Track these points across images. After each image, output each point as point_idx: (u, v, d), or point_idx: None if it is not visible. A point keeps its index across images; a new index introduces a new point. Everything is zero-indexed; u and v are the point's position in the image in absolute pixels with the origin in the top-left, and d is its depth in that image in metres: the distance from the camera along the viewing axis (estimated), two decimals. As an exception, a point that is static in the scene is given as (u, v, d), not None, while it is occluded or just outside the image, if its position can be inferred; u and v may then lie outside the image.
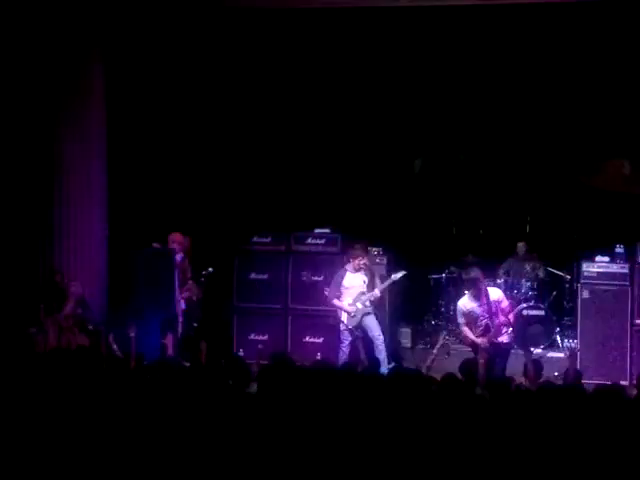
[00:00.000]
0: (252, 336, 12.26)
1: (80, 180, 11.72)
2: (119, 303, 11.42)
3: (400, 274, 11.43)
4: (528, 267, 12.95)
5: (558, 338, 12.60)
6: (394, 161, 14.13)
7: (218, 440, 5.84)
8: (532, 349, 11.33)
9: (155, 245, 11.84)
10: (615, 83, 12.77)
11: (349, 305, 11.31)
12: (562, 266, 12.97)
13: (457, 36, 12.56)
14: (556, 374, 10.12)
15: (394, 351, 12.07)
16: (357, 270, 11.37)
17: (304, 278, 12.19)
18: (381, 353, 11.05)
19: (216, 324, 12.80)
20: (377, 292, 11.35)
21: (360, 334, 10.97)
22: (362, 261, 11.34)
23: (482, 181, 14.33)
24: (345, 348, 11.28)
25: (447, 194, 14.28)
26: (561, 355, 12.08)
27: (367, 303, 11.31)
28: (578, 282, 11.70)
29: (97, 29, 11.75)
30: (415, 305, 13.48)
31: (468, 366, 7.67)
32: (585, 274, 11.53)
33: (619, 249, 11.52)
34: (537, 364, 8.89)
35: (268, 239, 12.47)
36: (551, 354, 12.10)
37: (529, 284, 12.75)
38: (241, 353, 11.92)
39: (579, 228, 12.87)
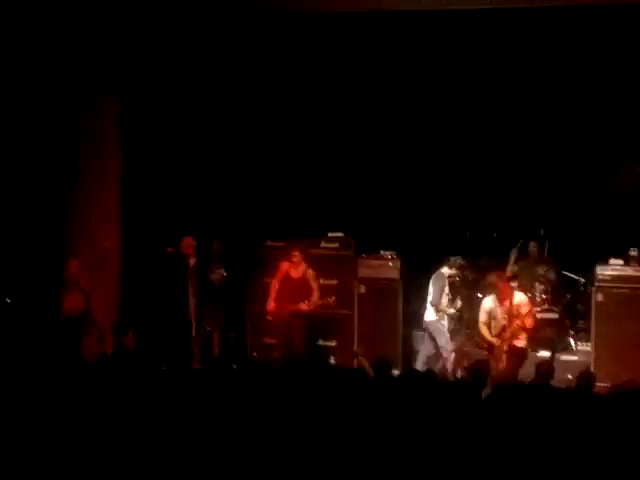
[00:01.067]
0: (266, 340, 12.26)
1: (95, 183, 11.78)
2: (133, 307, 11.46)
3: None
4: (541, 270, 12.91)
5: (572, 341, 12.55)
6: (407, 164, 14.12)
7: (233, 441, 5.86)
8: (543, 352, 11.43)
9: (169, 250, 11.89)
10: (631, 85, 12.74)
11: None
12: (576, 269, 12.91)
13: (466, 38, 12.56)
14: (569, 377, 10.09)
15: (407, 355, 12.06)
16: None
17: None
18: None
19: (230, 328, 12.85)
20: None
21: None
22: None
23: (496, 184, 14.30)
24: (447, 354, 11.29)
25: (461, 197, 14.25)
26: (575, 358, 12.06)
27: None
28: (592, 285, 11.66)
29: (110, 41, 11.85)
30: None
31: (476, 368, 7.67)
32: (599, 277, 11.50)
33: (633, 252, 11.50)
34: (549, 367, 8.89)
35: (281, 243, 12.48)
36: (565, 357, 12.05)
37: (542, 287, 12.71)
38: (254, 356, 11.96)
39: (593, 231, 12.81)
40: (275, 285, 11.75)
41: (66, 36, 11.61)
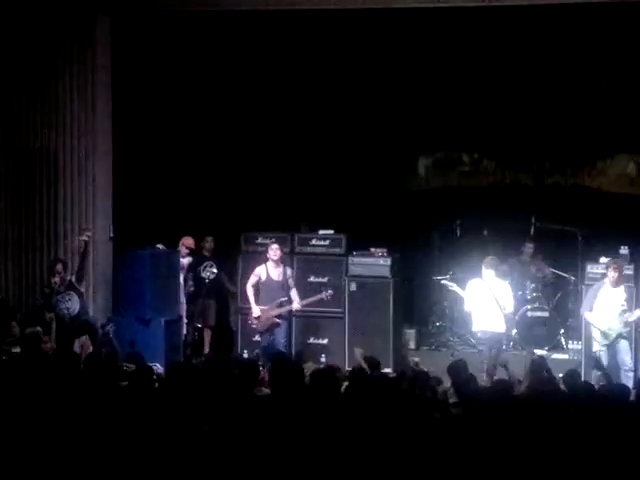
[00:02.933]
0: (256, 337, 12.24)
1: (85, 181, 11.74)
2: (124, 305, 11.43)
3: None
4: (533, 269, 12.96)
5: (562, 339, 12.60)
6: (398, 162, 14.13)
7: (225, 442, 5.85)
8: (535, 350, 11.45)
9: (159, 246, 11.88)
10: (620, 83, 12.78)
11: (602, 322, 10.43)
12: (567, 267, 12.96)
13: (461, 37, 12.57)
14: (560, 375, 10.09)
15: (399, 353, 12.07)
16: (617, 285, 10.54)
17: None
18: (629, 380, 9.90)
19: (220, 325, 12.84)
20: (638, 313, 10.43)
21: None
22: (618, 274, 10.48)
23: (487, 182, 14.33)
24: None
25: (451, 195, 14.28)
26: (566, 357, 12.10)
27: (624, 323, 10.35)
28: (582, 283, 11.68)
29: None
30: (420, 307, 13.49)
31: (456, 368, 7.69)
32: (590, 275, 11.49)
33: (623, 250, 11.50)
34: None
35: (272, 240, 12.45)
36: (555, 356, 12.09)
37: (533, 285, 12.77)
38: (245, 355, 11.93)
39: (583, 229, 12.84)
40: (252, 290, 11.54)
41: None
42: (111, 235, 11.88)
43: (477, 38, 12.56)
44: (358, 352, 9.07)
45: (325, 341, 12.08)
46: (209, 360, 9.51)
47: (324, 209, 13.36)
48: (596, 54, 12.59)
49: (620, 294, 10.50)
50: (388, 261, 12.08)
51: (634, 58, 12.37)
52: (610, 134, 13.33)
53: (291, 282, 11.55)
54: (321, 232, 12.43)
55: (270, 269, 11.47)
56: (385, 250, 12.22)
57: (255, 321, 11.45)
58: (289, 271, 11.60)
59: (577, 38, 12.35)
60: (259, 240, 12.44)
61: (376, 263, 12.12)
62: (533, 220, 12.99)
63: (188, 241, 12.08)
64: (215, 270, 12.32)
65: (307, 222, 12.78)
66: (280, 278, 11.45)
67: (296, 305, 11.44)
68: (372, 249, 12.22)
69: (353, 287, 12.09)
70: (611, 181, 13.85)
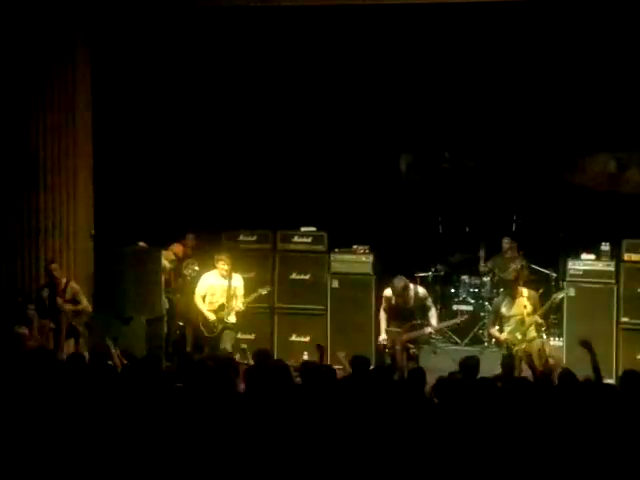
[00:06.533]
0: (238, 335, 12.21)
1: (65, 178, 11.69)
2: (105, 303, 11.37)
3: None
4: (513, 266, 12.94)
5: (544, 336, 12.59)
6: (380, 159, 14.13)
7: (204, 440, 5.83)
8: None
9: (141, 244, 11.84)
10: (598, 81, 12.82)
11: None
12: (548, 264, 12.99)
13: (440, 34, 12.59)
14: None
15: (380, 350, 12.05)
16: (518, 294, 10.36)
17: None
18: None
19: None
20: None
21: None
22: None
23: (468, 179, 14.35)
24: None
25: (433, 192, 14.29)
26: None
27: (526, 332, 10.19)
28: (564, 280, 11.72)
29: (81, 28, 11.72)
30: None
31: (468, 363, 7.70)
32: (571, 272, 11.56)
33: (604, 247, 11.55)
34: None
35: (254, 237, 12.45)
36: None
37: (514, 282, 12.77)
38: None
39: (565, 226, 12.88)
40: (385, 315, 10.71)
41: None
42: (92, 233, 11.83)
43: (461, 36, 12.58)
44: (341, 355, 9.02)
45: (307, 338, 12.07)
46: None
47: (306, 206, 13.34)
48: (578, 52, 12.63)
49: (522, 302, 10.26)
50: (370, 258, 12.11)
51: (616, 56, 12.41)
52: (591, 132, 13.37)
53: (429, 302, 10.68)
54: (303, 229, 12.43)
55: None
56: (367, 247, 12.24)
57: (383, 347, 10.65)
58: (421, 290, 10.74)
59: (560, 36, 12.38)
60: (240, 238, 12.44)
61: (358, 260, 12.14)
62: (515, 217, 13.00)
63: (178, 248, 12.10)
64: (197, 267, 12.30)
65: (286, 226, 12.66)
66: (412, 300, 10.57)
67: (429, 329, 10.58)
68: (354, 246, 12.24)
69: (335, 284, 12.10)
70: (592, 178, 13.90)
